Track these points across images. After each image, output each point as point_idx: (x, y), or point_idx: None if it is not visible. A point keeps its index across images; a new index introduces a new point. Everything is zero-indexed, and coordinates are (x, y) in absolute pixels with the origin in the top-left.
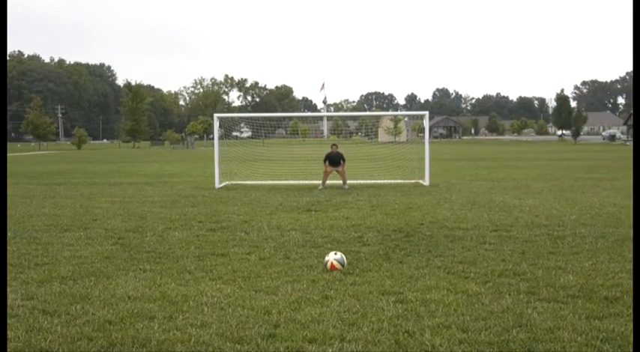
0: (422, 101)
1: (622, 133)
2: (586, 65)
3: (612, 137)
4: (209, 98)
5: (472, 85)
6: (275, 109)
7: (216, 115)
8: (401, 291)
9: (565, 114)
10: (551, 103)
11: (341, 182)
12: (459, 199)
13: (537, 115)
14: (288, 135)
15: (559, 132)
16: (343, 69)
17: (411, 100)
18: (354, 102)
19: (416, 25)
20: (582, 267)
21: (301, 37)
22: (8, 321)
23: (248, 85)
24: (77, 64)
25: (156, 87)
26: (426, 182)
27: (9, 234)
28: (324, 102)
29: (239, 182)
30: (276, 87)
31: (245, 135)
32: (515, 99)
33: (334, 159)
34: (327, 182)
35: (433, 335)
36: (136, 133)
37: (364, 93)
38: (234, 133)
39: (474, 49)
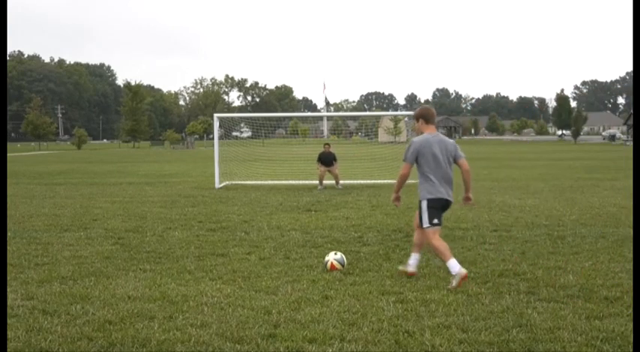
0: (422, 101)
1: (622, 133)
2: (586, 65)
3: (612, 137)
4: (209, 98)
5: (472, 85)
6: (275, 109)
7: (216, 115)
8: (401, 291)
9: (565, 115)
10: (551, 103)
11: (334, 182)
12: (459, 199)
13: (537, 115)
14: (288, 135)
15: (559, 133)
16: (343, 69)
17: (411, 100)
18: (354, 102)
19: (416, 25)
20: (582, 267)
21: (301, 37)
22: (8, 321)
23: (248, 85)
24: (77, 64)
25: (156, 87)
26: None
27: (9, 234)
28: (327, 102)
29: (239, 182)
30: (276, 87)
31: (245, 135)
32: (515, 99)
33: (326, 159)
34: (325, 182)
35: (433, 335)
36: (136, 133)
37: (364, 93)
38: (234, 133)
39: (474, 49)
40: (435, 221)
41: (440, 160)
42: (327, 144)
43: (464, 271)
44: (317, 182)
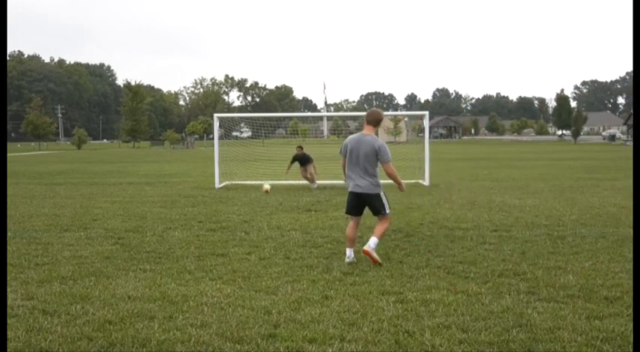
0: (422, 101)
1: (622, 133)
2: (586, 65)
3: (612, 137)
4: (209, 98)
5: (472, 85)
6: (275, 109)
7: (216, 115)
8: (401, 291)
9: (565, 115)
10: (551, 103)
11: (318, 181)
12: (459, 199)
13: (537, 115)
14: (288, 135)
15: (559, 133)
16: (343, 69)
17: (411, 100)
18: (354, 102)
19: (416, 25)
20: (582, 267)
21: (301, 37)
22: (8, 321)
23: (248, 85)
24: (77, 64)
25: (156, 87)
26: (426, 182)
27: (9, 234)
28: (326, 103)
29: (239, 182)
30: (276, 87)
31: (245, 135)
32: (515, 99)
33: (302, 160)
34: (318, 182)
35: (433, 335)
36: (136, 133)
37: (364, 93)
38: (234, 133)
39: (474, 49)
40: (346, 210)
41: (358, 157)
42: (300, 146)
43: (355, 260)
44: (318, 182)
